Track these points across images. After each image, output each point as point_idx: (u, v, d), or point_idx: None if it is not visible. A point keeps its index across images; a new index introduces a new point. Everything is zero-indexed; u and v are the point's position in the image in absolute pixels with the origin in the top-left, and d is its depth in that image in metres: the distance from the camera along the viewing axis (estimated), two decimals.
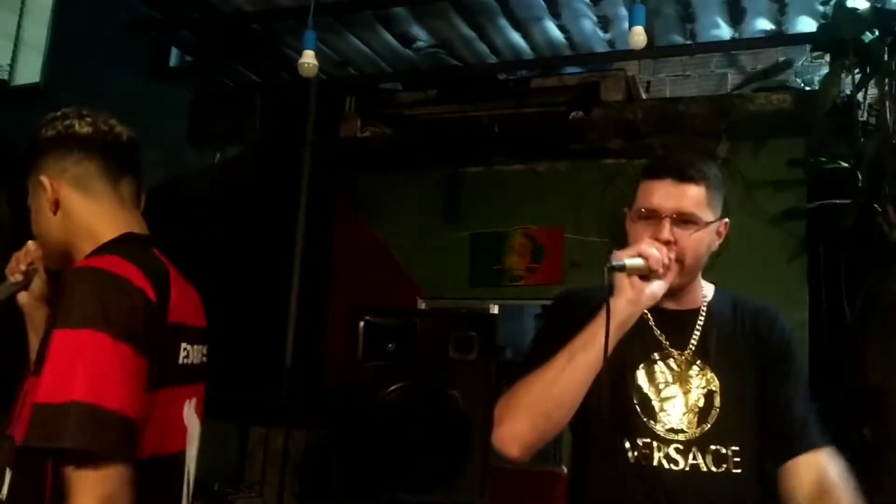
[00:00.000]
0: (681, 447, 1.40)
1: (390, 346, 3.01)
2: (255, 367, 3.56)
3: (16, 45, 5.65)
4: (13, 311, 1.41)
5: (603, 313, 1.32)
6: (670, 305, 1.49)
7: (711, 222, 1.45)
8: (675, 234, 1.41)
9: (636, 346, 1.46)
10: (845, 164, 3.20)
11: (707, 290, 1.55)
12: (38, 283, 1.38)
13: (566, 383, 1.33)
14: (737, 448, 1.40)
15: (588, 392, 1.38)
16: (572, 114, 3.85)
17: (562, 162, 3.95)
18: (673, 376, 1.45)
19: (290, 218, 3.76)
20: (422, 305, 4.08)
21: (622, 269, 1.34)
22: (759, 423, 1.44)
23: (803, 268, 3.45)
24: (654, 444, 1.41)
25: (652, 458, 1.40)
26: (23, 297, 1.38)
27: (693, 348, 1.47)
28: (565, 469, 3.66)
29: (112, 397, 1.10)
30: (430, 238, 4.08)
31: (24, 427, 1.11)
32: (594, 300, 1.38)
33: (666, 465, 1.39)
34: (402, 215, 4.18)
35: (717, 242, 1.51)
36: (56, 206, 1.30)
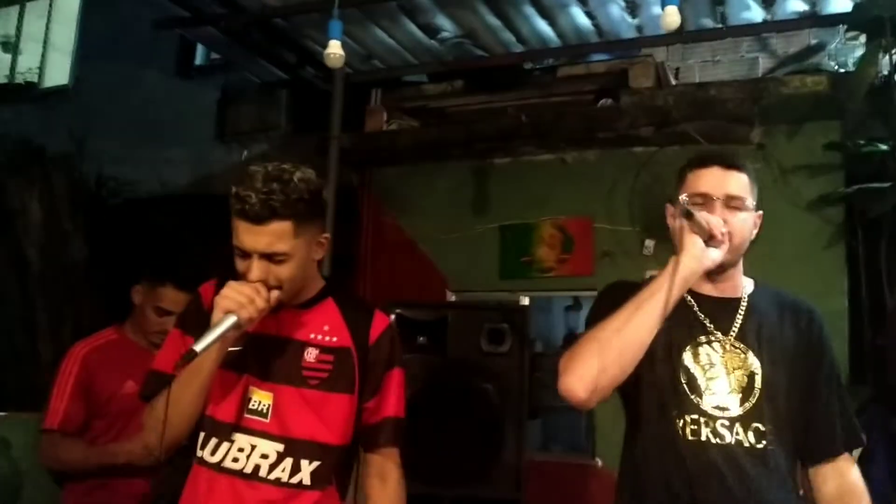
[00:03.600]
0: (727, 423, 1.50)
1: (422, 339, 2.99)
2: None
3: (44, 49, 5.73)
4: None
5: (667, 269, 1.45)
6: (712, 292, 1.60)
7: (753, 208, 1.57)
8: (725, 216, 1.52)
9: (682, 329, 1.55)
10: (883, 147, 3.12)
11: (747, 282, 1.64)
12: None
13: (635, 328, 1.42)
14: (771, 426, 1.50)
15: (640, 365, 1.47)
16: (601, 101, 3.80)
17: (591, 151, 3.91)
18: (717, 358, 1.54)
19: None
20: (451, 298, 4.06)
21: (691, 216, 1.44)
22: (796, 412, 1.54)
23: (841, 254, 3.38)
24: (702, 419, 1.50)
25: (700, 433, 1.49)
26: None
27: (735, 333, 1.56)
28: (599, 462, 3.63)
29: None
30: (459, 230, 4.05)
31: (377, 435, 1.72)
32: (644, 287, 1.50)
33: (713, 440, 1.49)
34: (429, 208, 4.17)
35: (754, 232, 1.61)
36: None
